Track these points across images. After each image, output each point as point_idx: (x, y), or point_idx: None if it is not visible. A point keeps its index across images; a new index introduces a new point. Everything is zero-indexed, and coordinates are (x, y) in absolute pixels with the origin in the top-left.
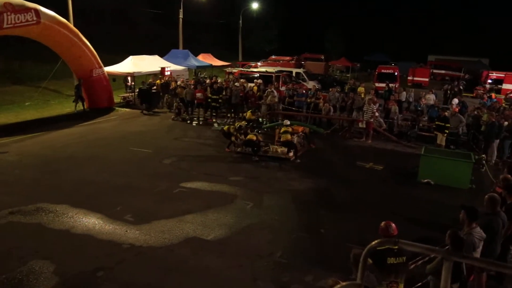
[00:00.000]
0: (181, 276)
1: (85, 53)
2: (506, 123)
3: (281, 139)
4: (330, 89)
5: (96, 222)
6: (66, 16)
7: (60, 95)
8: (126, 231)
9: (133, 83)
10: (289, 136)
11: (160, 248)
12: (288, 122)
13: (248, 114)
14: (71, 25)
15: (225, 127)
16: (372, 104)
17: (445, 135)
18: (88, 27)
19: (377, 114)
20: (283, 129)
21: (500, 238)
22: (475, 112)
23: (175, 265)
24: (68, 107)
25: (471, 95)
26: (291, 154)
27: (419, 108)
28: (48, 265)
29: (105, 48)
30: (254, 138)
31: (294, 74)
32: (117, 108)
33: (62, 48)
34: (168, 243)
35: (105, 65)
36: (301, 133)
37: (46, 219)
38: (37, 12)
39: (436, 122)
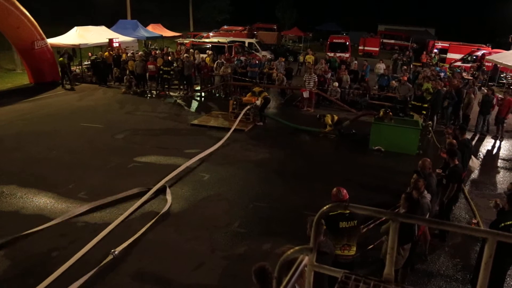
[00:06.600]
0: (139, 251)
1: (24, 23)
2: (445, 89)
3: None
4: (280, 58)
5: (48, 202)
6: None
7: None
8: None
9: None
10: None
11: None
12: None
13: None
14: None
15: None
16: (313, 74)
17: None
18: None
19: (336, 84)
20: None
21: (437, 198)
22: (422, 81)
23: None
24: (9, 82)
25: (419, 64)
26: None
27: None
28: None
29: (47, 19)
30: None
31: (246, 45)
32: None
33: None
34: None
35: (48, 37)
36: (254, 103)
37: None
38: None
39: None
